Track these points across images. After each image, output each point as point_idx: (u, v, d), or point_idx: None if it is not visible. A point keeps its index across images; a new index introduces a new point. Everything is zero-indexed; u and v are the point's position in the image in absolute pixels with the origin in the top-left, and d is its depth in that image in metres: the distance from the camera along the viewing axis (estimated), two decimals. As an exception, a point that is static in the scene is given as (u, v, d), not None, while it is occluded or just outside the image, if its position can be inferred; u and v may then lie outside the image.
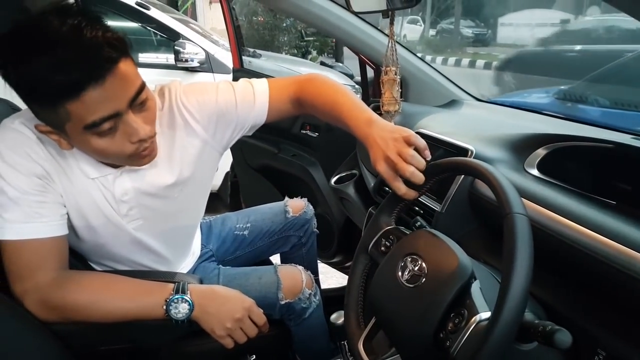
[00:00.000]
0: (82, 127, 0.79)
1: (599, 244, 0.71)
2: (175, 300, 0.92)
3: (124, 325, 0.93)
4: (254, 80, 1.09)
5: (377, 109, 1.63)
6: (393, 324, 0.75)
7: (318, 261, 2.13)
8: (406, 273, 0.75)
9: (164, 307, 0.92)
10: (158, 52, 3.47)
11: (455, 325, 0.65)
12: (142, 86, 0.84)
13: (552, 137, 1.01)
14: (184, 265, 1.22)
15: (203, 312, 0.94)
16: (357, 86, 3.99)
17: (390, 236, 0.87)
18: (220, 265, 1.31)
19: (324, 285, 2.31)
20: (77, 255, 1.08)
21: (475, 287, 0.68)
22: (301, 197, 1.54)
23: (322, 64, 5.16)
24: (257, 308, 1.01)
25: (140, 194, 0.98)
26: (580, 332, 0.69)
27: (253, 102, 1.05)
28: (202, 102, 1.01)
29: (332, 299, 1.49)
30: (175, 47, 3.14)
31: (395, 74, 1.04)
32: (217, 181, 3.37)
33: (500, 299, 0.59)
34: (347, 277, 2.16)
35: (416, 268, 0.74)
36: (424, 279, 0.72)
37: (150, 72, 3.24)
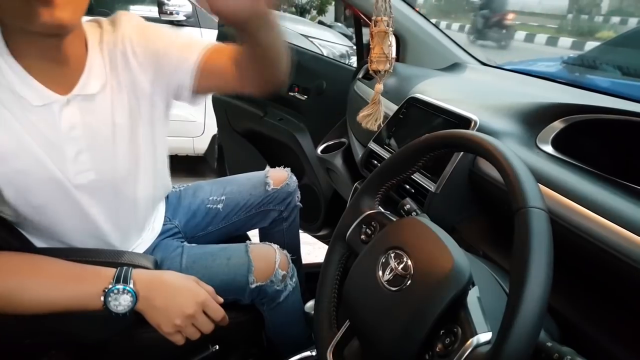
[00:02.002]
0: None
1: (629, 243, 0.57)
2: (115, 291, 0.78)
3: (53, 317, 0.79)
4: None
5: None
6: (369, 334, 0.60)
7: (305, 233, 2.02)
8: (387, 272, 0.60)
9: (102, 298, 0.77)
10: (141, 4, 3.25)
11: (446, 348, 0.51)
12: None
13: (570, 108, 0.85)
14: (140, 243, 1.07)
15: (148, 305, 0.80)
16: (355, 47, 3.78)
17: (373, 222, 0.71)
18: (185, 243, 1.16)
19: (310, 258, 2.20)
20: (19, 237, 0.93)
21: (473, 297, 0.53)
22: (285, 167, 1.38)
23: (320, 23, 4.93)
24: (213, 302, 0.87)
25: (91, 132, 0.85)
26: (602, 354, 0.55)
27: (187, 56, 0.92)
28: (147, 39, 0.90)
29: (313, 276, 1.36)
30: (159, -1, 2.91)
31: (388, 26, 0.87)
32: (203, 144, 3.22)
33: (507, 320, 0.44)
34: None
35: (400, 267, 0.59)
36: (409, 282, 0.58)
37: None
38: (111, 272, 0.80)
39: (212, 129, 3.14)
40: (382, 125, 0.95)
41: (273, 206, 1.34)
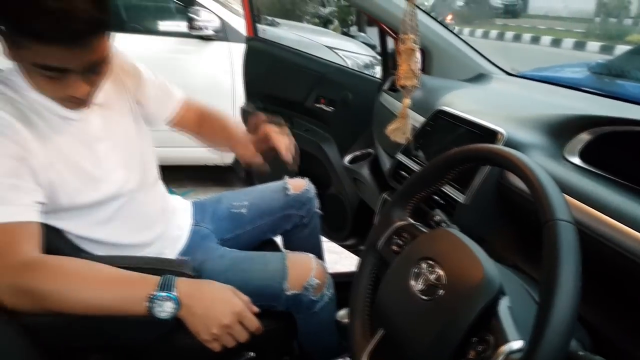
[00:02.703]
0: (33, 62, 0.81)
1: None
2: (160, 298, 0.82)
3: (100, 319, 0.84)
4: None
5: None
6: (403, 342, 0.63)
7: (331, 242, 2.05)
8: (420, 282, 0.63)
9: (147, 303, 0.82)
10: (172, 20, 3.34)
11: (478, 355, 0.53)
12: (105, 58, 0.87)
13: (599, 120, 0.86)
14: (171, 238, 1.18)
15: (189, 313, 0.85)
16: (378, 57, 3.80)
17: (404, 234, 0.74)
18: (225, 247, 1.22)
19: (337, 267, 2.22)
20: (70, 243, 1.00)
21: (504, 307, 0.55)
22: (311, 176, 1.45)
23: (344, 33, 4.99)
24: (249, 313, 0.91)
25: (111, 131, 1.03)
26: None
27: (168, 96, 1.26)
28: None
29: (343, 285, 1.39)
30: (189, 14, 2.99)
31: (414, 43, 0.90)
32: (231, 154, 3.27)
33: (538, 329, 0.46)
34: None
35: (432, 277, 0.62)
36: (441, 291, 0.60)
37: (166, 40, 3.11)
38: (156, 279, 0.85)
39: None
40: (410, 138, 0.97)
41: (294, 211, 1.41)
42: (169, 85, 1.27)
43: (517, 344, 0.51)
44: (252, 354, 1.06)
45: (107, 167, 1.02)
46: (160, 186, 1.22)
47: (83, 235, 1.01)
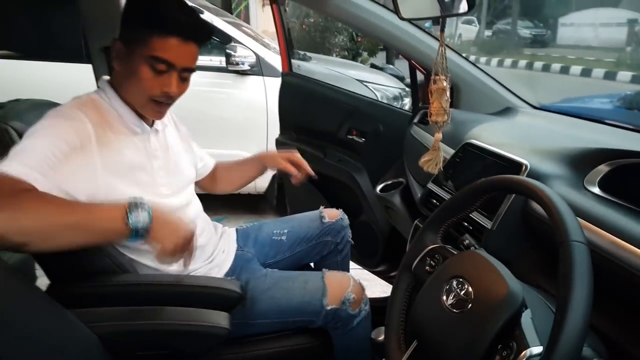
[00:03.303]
0: (149, 55, 1.02)
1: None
2: (135, 206, 0.89)
3: (161, 333, 0.94)
4: None
5: (426, 116, 1.59)
6: (435, 350, 0.71)
7: (362, 269, 2.12)
8: (451, 297, 0.71)
9: (125, 214, 0.87)
10: (210, 55, 3.53)
11: (503, 359, 0.61)
12: (193, 69, 1.10)
13: (616, 153, 0.93)
14: (218, 259, 1.28)
15: (160, 223, 0.90)
16: (407, 89, 3.93)
17: (436, 255, 0.83)
18: (268, 269, 1.32)
19: (368, 294, 2.28)
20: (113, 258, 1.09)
21: (526, 318, 0.63)
22: (343, 205, 1.55)
23: (373, 66, 5.12)
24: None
25: (163, 153, 1.19)
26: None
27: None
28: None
29: (376, 309, 1.46)
30: (227, 51, 3.16)
31: (445, 83, 1.00)
32: (264, 183, 3.40)
33: (554, 334, 0.54)
34: (391, 286, 2.12)
35: (462, 292, 0.70)
36: (470, 305, 0.68)
37: (203, 74, 3.28)
38: (127, 201, 0.90)
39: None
40: (441, 169, 1.06)
41: (330, 238, 1.52)
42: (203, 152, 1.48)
43: (537, 349, 0.59)
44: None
45: (159, 182, 1.16)
46: (203, 213, 1.34)
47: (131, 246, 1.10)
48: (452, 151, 1.22)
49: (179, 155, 1.27)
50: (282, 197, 3.48)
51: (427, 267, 0.83)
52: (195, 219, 1.29)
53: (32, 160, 0.90)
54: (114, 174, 1.04)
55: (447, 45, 1.33)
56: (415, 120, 1.61)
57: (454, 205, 0.84)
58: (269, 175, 3.37)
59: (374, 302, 1.63)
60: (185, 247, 0.94)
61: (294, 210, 2.60)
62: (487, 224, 0.97)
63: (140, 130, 1.13)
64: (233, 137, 3.27)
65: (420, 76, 1.82)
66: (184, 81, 1.10)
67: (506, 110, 1.55)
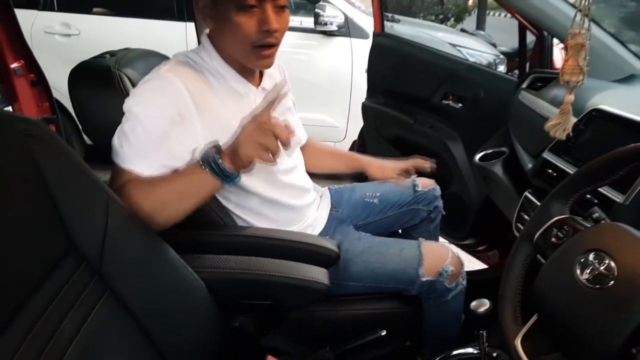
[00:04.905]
0: (237, 5, 0.94)
1: None
2: (205, 158, 0.89)
3: (262, 283, 0.96)
4: None
5: (538, 80, 1.47)
6: (565, 327, 0.65)
7: (447, 241, 2.05)
8: (587, 272, 0.64)
9: (204, 170, 0.89)
10: (296, 15, 3.48)
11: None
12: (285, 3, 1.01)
13: None
14: (314, 217, 1.27)
15: (231, 148, 0.89)
16: (501, 56, 3.69)
17: (565, 227, 0.75)
18: (362, 232, 1.30)
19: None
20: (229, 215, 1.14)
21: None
22: (430, 174, 1.49)
23: (463, 30, 4.86)
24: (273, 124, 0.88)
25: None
26: None
27: None
28: None
29: (469, 281, 1.41)
30: (316, 10, 3.09)
31: (585, 39, 0.89)
32: (343, 149, 3.37)
33: None
34: (477, 261, 2.04)
35: (602, 267, 0.63)
36: (612, 282, 0.61)
37: (289, 35, 3.23)
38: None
39: (353, 134, 3.27)
40: (570, 134, 0.97)
41: (422, 206, 1.47)
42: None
43: None
44: (384, 332, 1.13)
45: None
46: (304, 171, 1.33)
47: (242, 204, 1.12)
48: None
49: (287, 115, 1.22)
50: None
51: (552, 239, 0.76)
52: (304, 182, 1.29)
53: (135, 149, 0.92)
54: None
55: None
56: (524, 86, 1.49)
57: (590, 174, 0.76)
58: (349, 141, 3.34)
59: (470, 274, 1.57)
60: (276, 140, 0.85)
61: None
62: (618, 197, 0.88)
63: (244, 92, 1.09)
64: (315, 101, 3.22)
65: (530, 38, 1.68)
66: (280, 12, 1.00)
67: (631, 78, 1.39)
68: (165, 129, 0.95)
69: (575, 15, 0.91)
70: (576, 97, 1.21)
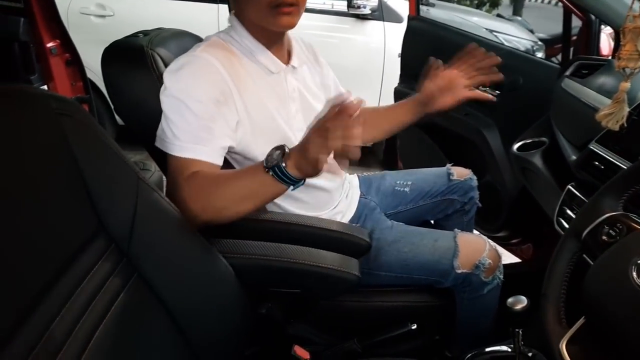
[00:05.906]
0: None
1: None
2: (270, 158, 0.85)
3: (292, 271, 0.94)
4: None
5: (583, 68, 1.39)
6: (617, 334, 0.61)
7: (480, 232, 1.99)
8: (645, 275, 0.60)
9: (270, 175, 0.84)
10: (329, -1, 3.42)
11: None
12: None
13: None
14: (342, 204, 1.23)
15: (296, 150, 0.84)
16: (539, 42, 3.55)
17: (618, 224, 0.70)
18: (394, 221, 1.26)
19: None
20: None
21: None
22: (463, 163, 1.45)
23: (499, 16, 4.71)
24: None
25: (301, 95, 1.13)
26: None
27: None
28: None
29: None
30: (350, -8, 3.03)
31: (646, 23, 0.82)
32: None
33: None
34: (510, 254, 1.97)
35: (662, 271, 0.58)
36: (674, 288, 0.57)
37: (321, 18, 3.17)
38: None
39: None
40: (625, 125, 0.91)
41: (457, 196, 1.40)
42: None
43: None
44: (414, 325, 1.09)
45: (296, 126, 1.10)
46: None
47: None
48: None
49: (317, 96, 1.19)
50: (389, 152, 3.39)
51: (604, 237, 0.71)
52: (333, 163, 1.23)
53: (191, 136, 0.91)
54: (255, 120, 1.02)
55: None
56: (568, 73, 1.42)
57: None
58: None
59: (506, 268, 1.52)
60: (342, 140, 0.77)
61: (407, 165, 2.50)
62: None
63: (275, 69, 1.07)
64: (346, 85, 3.12)
65: (575, 23, 1.59)
66: None
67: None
68: (214, 110, 0.94)
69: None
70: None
